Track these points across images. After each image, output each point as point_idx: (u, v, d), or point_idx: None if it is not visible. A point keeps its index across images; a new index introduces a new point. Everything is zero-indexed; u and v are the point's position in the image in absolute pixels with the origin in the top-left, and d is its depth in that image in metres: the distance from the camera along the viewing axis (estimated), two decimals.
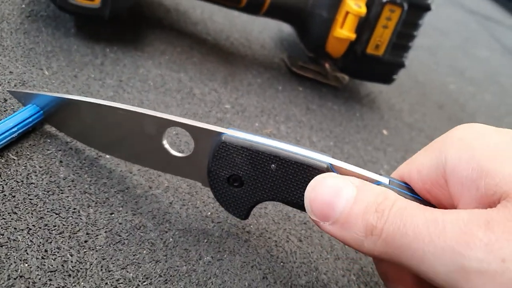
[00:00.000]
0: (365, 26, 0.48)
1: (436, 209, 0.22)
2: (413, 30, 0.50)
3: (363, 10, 0.47)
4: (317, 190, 0.25)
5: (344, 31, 0.48)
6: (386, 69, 0.52)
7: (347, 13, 0.47)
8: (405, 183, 0.27)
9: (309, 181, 0.26)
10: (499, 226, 0.19)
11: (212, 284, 0.29)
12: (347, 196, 0.23)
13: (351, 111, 0.52)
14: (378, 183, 0.26)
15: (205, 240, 0.31)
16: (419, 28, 0.50)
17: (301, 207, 0.27)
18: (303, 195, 0.26)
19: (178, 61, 0.46)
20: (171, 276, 0.28)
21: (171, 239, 0.30)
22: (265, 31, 0.60)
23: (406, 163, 0.27)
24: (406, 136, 0.53)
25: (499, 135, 0.23)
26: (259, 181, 0.28)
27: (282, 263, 0.32)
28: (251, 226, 0.33)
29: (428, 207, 0.22)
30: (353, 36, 0.48)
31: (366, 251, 0.23)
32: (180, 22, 0.52)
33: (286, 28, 0.62)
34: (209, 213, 0.33)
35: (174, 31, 0.50)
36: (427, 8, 0.49)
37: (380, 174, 0.26)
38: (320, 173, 0.26)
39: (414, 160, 0.27)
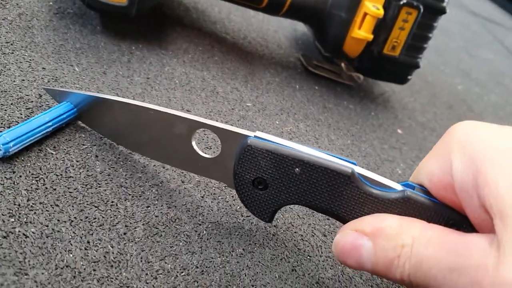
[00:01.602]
0: (382, 27, 0.49)
1: (449, 242, 0.22)
2: (428, 32, 0.51)
3: (381, 12, 0.48)
4: (340, 252, 0.26)
5: (362, 32, 0.49)
6: (401, 69, 0.53)
7: (365, 14, 0.48)
8: (423, 187, 0.26)
9: (333, 186, 0.27)
10: (501, 268, 0.20)
11: (245, 275, 0.30)
12: (365, 251, 0.24)
13: (366, 110, 0.53)
14: (401, 190, 0.26)
15: (236, 233, 0.32)
16: (434, 30, 0.51)
17: (325, 212, 0.28)
18: (327, 199, 0.27)
19: (200, 59, 0.47)
20: (206, 267, 0.29)
21: (204, 232, 0.31)
22: (280, 30, 0.61)
23: (417, 169, 0.27)
24: (419, 135, 0.54)
25: (500, 137, 0.23)
26: (283, 185, 0.28)
27: (309, 257, 0.33)
28: (278, 221, 0.34)
29: (442, 241, 0.22)
30: (370, 37, 0.49)
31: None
32: (200, 21, 0.53)
33: (300, 27, 0.63)
34: (238, 207, 0.34)
35: (195, 30, 0.51)
36: (442, 11, 0.50)
37: (398, 173, 0.27)
38: (344, 179, 0.26)
39: (424, 166, 0.26)
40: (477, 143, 0.23)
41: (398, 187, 0.26)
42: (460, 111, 0.65)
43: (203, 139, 0.38)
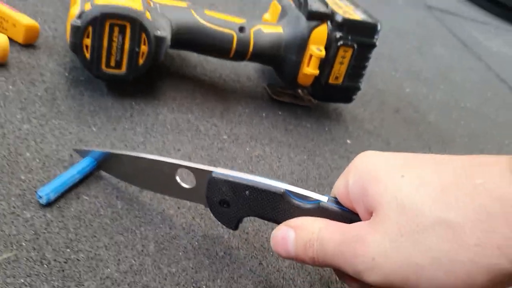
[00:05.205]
0: (326, 64, 0.63)
1: (338, 231, 0.34)
2: (364, 62, 0.64)
3: (323, 53, 0.61)
4: (274, 245, 0.38)
5: (310, 69, 0.62)
6: (345, 93, 0.66)
7: (311, 56, 0.62)
8: (336, 199, 0.39)
9: (271, 202, 0.39)
10: (370, 238, 0.31)
11: (226, 271, 0.44)
12: (290, 240, 0.37)
13: (321, 127, 0.67)
14: (318, 201, 0.39)
15: (219, 241, 0.46)
16: (369, 60, 0.65)
17: (270, 220, 0.41)
18: (269, 211, 0.40)
19: (185, 104, 0.60)
20: (199, 268, 0.43)
21: (196, 243, 0.45)
22: (250, 64, 0.74)
23: (335, 185, 0.39)
24: (366, 142, 0.68)
25: (384, 162, 0.33)
26: (239, 203, 0.41)
27: (271, 253, 0.47)
28: (249, 228, 0.48)
29: (337, 228, 0.35)
30: (317, 72, 0.62)
31: (319, 266, 0.36)
32: (183, 67, 0.67)
33: None
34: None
35: (180, 76, 0.65)
36: (373, 45, 0.63)
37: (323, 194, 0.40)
38: (278, 197, 0.39)
39: (337, 183, 0.38)
40: (366, 166, 0.34)
41: (319, 197, 0.39)
42: (405, 114, 0.79)
43: (183, 174, 0.51)
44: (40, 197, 0.42)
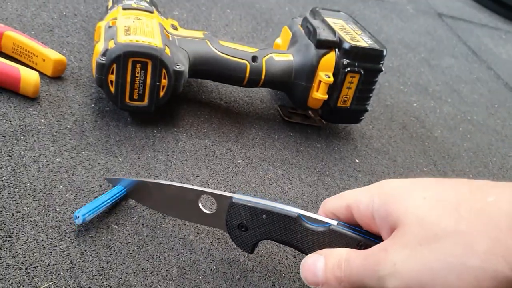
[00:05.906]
0: (334, 88, 0.66)
1: (364, 252, 0.39)
2: (371, 86, 0.68)
3: (331, 79, 0.65)
4: (304, 271, 0.42)
5: (319, 94, 0.66)
6: (353, 115, 0.70)
7: (320, 82, 0.65)
8: (348, 223, 0.43)
9: (286, 225, 0.43)
10: (391, 248, 0.36)
11: None
12: (320, 264, 0.41)
13: (330, 146, 0.71)
14: (329, 225, 0.43)
15: (235, 264, 0.50)
16: (376, 83, 0.68)
17: (285, 243, 0.45)
18: (284, 234, 0.44)
19: (202, 129, 0.65)
20: None
21: (215, 267, 0.49)
22: None
23: (350, 194, 0.43)
24: (373, 161, 0.72)
25: (403, 187, 0.38)
26: (256, 227, 0.45)
27: (283, 274, 0.51)
28: (262, 251, 0.53)
29: (360, 251, 0.39)
30: (325, 96, 0.66)
31: None
32: (200, 93, 0.71)
33: None
34: (235, 246, 0.52)
35: (197, 102, 0.69)
36: (379, 70, 0.67)
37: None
38: (293, 220, 0.43)
39: (356, 195, 0.42)
40: (389, 191, 0.39)
41: (329, 221, 0.43)
42: (412, 130, 0.82)
43: (205, 200, 0.56)
44: (77, 217, 0.47)
